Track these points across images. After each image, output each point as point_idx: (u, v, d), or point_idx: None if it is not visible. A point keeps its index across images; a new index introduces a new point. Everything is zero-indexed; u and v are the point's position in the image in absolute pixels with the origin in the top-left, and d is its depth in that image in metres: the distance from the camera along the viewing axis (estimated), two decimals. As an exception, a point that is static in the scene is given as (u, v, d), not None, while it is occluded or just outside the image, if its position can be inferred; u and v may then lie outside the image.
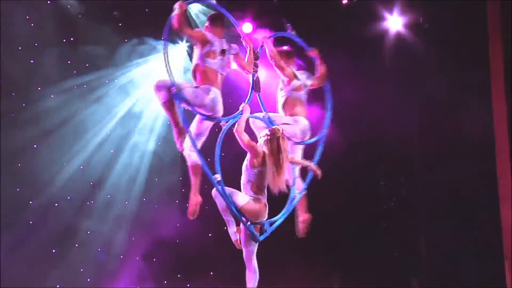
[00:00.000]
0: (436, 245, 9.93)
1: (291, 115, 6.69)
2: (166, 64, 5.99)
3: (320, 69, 6.96)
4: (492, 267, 9.06)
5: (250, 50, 6.45)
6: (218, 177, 6.04)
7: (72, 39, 9.42)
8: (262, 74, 6.91)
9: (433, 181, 10.00)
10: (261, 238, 6.20)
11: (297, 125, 6.63)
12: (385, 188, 10.63)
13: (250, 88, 6.62)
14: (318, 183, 9.76)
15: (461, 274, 9.42)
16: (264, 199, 6.13)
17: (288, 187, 6.36)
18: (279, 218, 6.42)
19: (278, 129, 6.19)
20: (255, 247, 6.22)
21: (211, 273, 10.14)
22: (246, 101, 6.47)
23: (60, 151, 9.34)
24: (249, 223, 6.08)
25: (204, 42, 6.12)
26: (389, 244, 10.28)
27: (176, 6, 6.00)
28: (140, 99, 10.11)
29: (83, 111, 9.50)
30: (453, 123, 9.73)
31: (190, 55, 6.88)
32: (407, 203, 10.41)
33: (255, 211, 6.06)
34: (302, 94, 6.79)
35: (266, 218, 6.24)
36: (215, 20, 6.31)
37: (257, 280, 6.26)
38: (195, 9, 10.03)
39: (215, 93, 6.07)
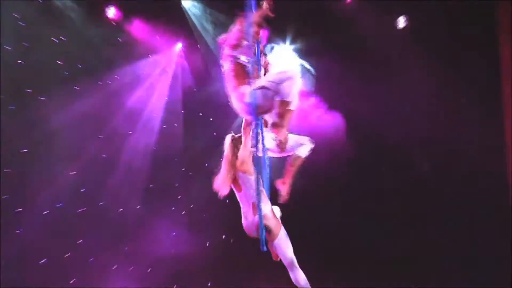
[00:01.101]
0: (436, 248, 9.74)
1: None
2: None
3: None
4: (493, 270, 9.00)
5: None
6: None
7: (63, 39, 9.18)
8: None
9: (436, 183, 9.88)
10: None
11: None
12: (385, 191, 10.35)
13: None
14: (318, 185, 9.73)
15: (461, 277, 9.27)
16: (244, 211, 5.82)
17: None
18: None
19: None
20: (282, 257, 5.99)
21: (209, 283, 9.87)
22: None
23: (50, 157, 9.06)
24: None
25: None
26: (389, 247, 9.99)
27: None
28: (135, 102, 9.87)
29: (75, 113, 9.15)
30: (460, 126, 9.58)
31: None
32: (407, 206, 10.17)
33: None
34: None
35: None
36: None
37: (296, 280, 5.92)
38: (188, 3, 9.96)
39: None
